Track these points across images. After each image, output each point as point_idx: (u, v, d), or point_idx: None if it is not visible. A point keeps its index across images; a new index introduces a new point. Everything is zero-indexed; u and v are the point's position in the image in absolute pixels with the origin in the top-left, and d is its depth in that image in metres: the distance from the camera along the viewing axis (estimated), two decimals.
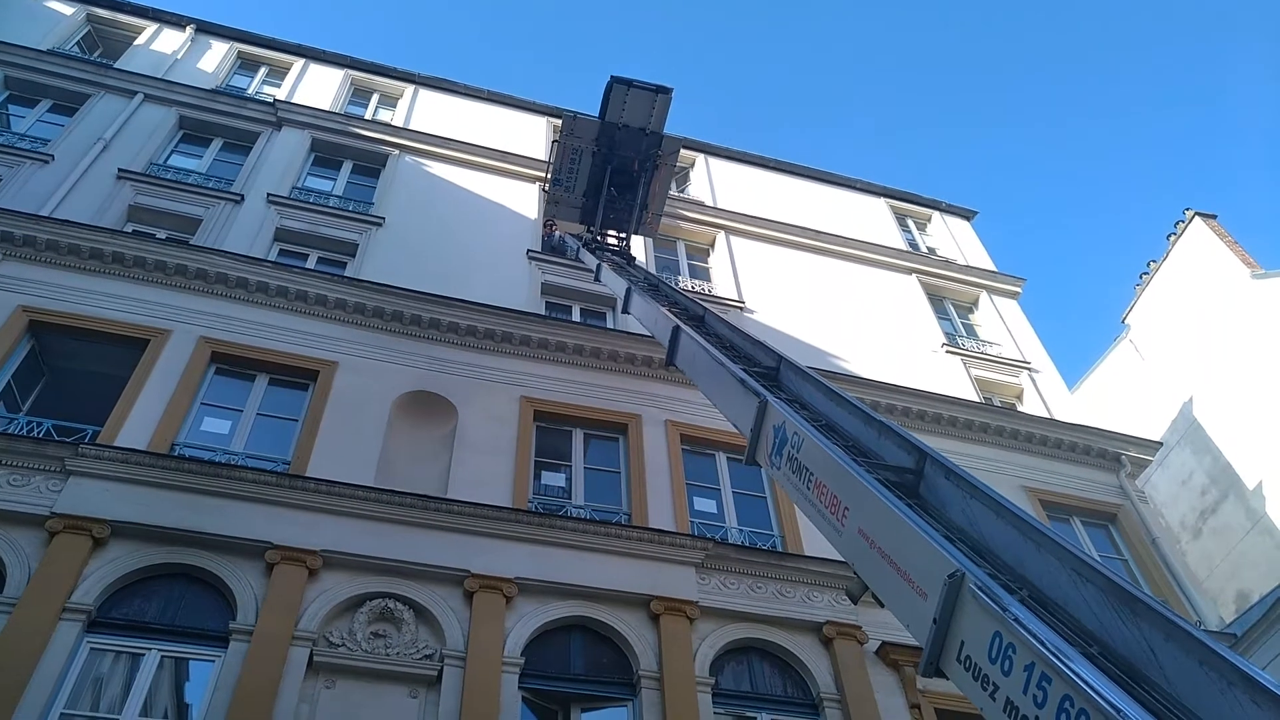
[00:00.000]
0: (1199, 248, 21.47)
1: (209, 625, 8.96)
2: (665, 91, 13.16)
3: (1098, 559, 4.32)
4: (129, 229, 13.85)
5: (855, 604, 6.20)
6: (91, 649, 8.57)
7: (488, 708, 8.77)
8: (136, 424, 10.62)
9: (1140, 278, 23.08)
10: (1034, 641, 3.46)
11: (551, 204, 14.62)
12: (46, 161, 14.42)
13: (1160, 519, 16.15)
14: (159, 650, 8.71)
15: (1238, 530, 18.83)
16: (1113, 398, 22.88)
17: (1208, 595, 15.52)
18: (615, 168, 13.76)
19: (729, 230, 18.78)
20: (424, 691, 8.95)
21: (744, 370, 7.29)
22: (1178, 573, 13.77)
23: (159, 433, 10.61)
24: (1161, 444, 17.10)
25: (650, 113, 13.31)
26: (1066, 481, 14.67)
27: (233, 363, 12.04)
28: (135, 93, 16.48)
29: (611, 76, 13.23)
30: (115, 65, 17.34)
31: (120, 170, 14.72)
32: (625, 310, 11.43)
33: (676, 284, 16.03)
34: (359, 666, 8.94)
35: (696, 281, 17.62)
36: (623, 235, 14.20)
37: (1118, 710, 3.01)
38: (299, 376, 12.15)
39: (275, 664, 8.57)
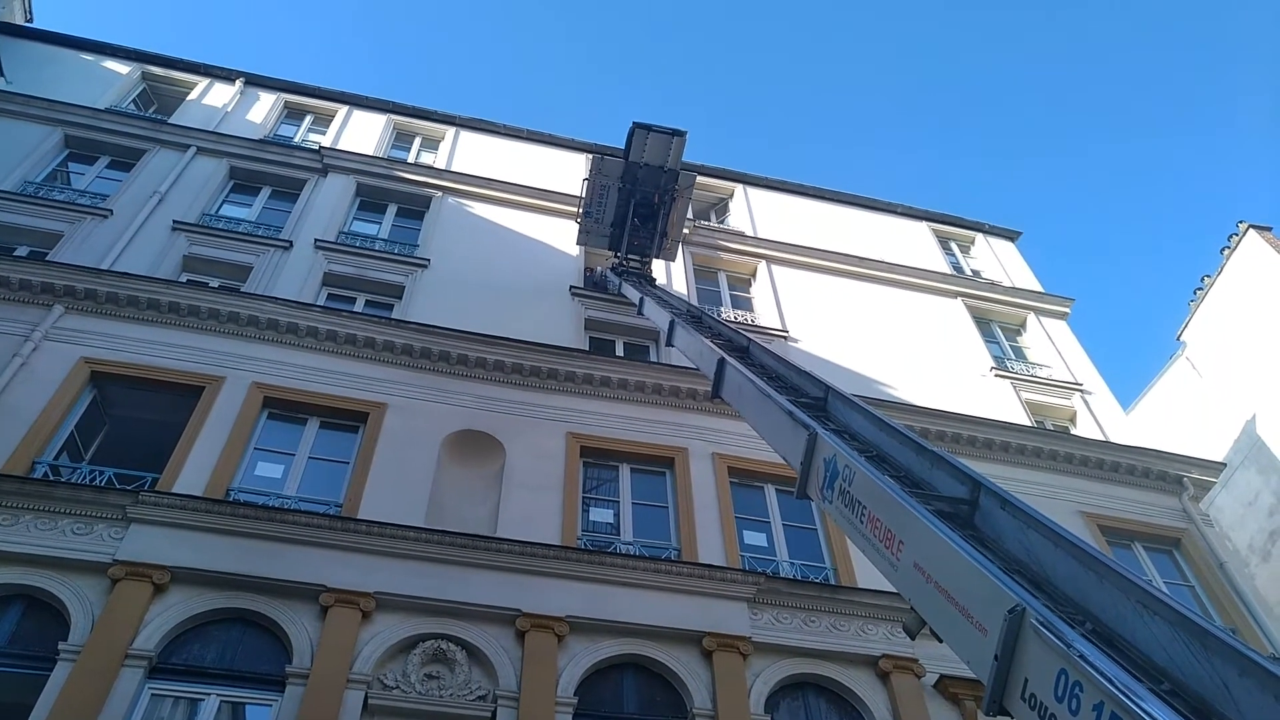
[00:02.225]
0: (1254, 260, 20.92)
1: (265, 669, 9.06)
2: (680, 134, 14.78)
3: (1164, 589, 4.20)
4: (184, 278, 14.24)
5: (913, 640, 6.08)
6: (153, 695, 8.70)
7: None
8: (193, 470, 10.84)
9: (1194, 293, 22.53)
10: (1101, 679, 3.36)
11: (583, 233, 16.04)
12: (105, 216, 14.91)
13: (1227, 542, 15.60)
14: (217, 695, 8.82)
15: None
16: (1171, 418, 22.29)
17: None
18: (638, 200, 15.35)
19: (770, 259, 18.76)
20: None
21: (791, 401, 7.22)
22: (1248, 598, 13.31)
23: (215, 478, 10.82)
24: (1224, 464, 16.60)
25: (668, 152, 14.88)
26: (1126, 506, 14.30)
27: (284, 407, 12.25)
28: (189, 146, 17.00)
29: (634, 123, 14.69)
30: (169, 120, 17.96)
31: (175, 222, 15.15)
32: (669, 343, 11.45)
33: (719, 315, 16.05)
34: (414, 708, 8.97)
35: (739, 312, 17.60)
36: (645, 259, 15.73)
37: None
38: (349, 419, 12.32)
39: (331, 707, 8.62)
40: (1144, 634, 3.94)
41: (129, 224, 14.71)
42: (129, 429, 12.20)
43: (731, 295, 18.18)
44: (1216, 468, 15.58)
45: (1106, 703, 3.30)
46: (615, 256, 15.81)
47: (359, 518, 10.56)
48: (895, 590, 5.90)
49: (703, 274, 18.29)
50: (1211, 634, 3.61)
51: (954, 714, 10.23)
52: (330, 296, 14.93)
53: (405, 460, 11.74)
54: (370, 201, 17.62)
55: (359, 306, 14.86)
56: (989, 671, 4.05)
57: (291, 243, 15.45)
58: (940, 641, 4.77)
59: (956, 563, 4.53)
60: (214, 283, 14.39)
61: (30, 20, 20.69)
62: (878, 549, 5.33)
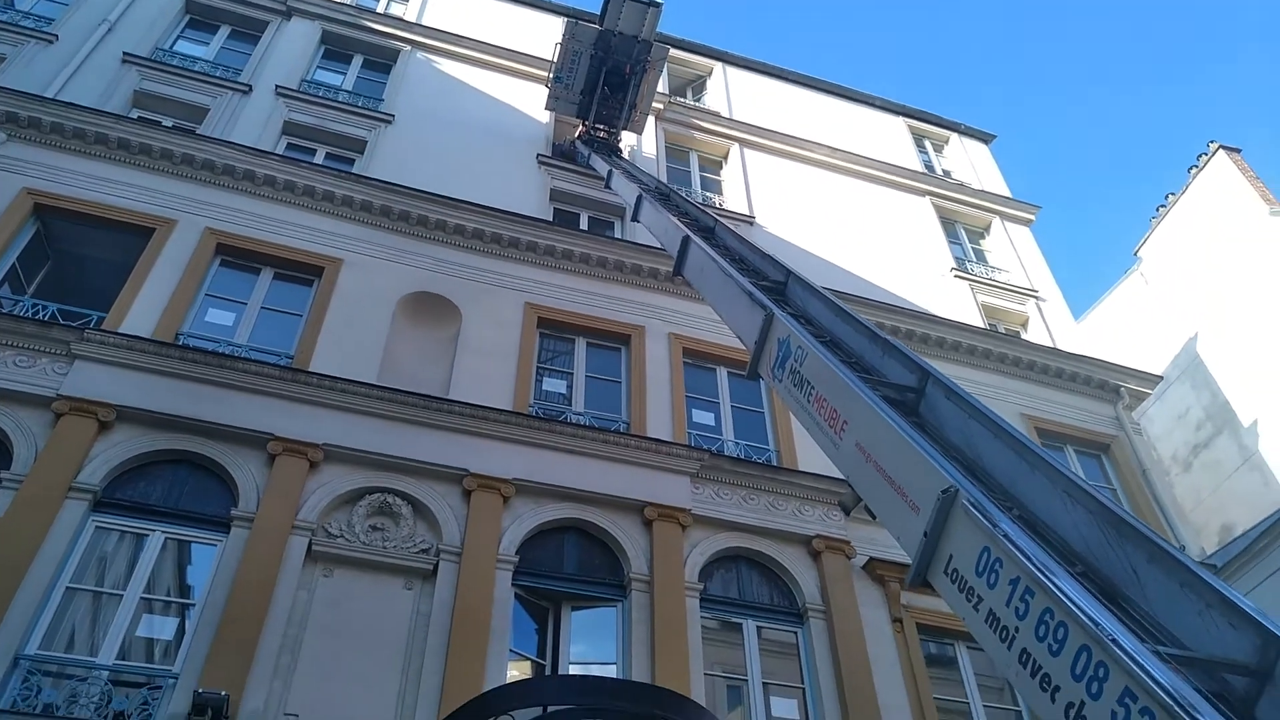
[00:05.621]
0: (1220, 182, 21.07)
1: (211, 511, 9.16)
2: (656, 5, 14.61)
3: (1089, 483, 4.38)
4: (135, 115, 13.62)
5: (847, 516, 6.31)
6: (97, 527, 8.78)
7: (481, 602, 9.02)
8: (141, 312, 10.64)
9: (1157, 210, 22.74)
10: (1021, 557, 3.53)
11: (552, 98, 15.80)
12: (50, 42, 14.08)
13: (1153, 451, 16.26)
14: (162, 532, 8.92)
15: (1228, 466, 19.00)
16: (1118, 330, 22.82)
17: (1192, 527, 15.76)
18: (610, 69, 15.17)
19: (744, 143, 18.45)
20: (419, 584, 9.19)
21: (752, 283, 7.26)
22: (1164, 504, 13.95)
23: (163, 322, 10.65)
24: (1161, 378, 17.12)
25: (643, 22, 14.72)
26: (1064, 411, 14.75)
27: (238, 255, 12.00)
28: None
29: None
30: None
31: (125, 54, 14.39)
32: (635, 218, 11.34)
33: (688, 196, 15.90)
34: (357, 557, 9.15)
35: (708, 194, 17.41)
36: (613, 130, 15.64)
37: (1096, 623, 3.08)
38: (304, 272, 12.12)
39: (275, 551, 8.78)
40: (1065, 521, 4.13)
41: (75, 51, 13.91)
42: (75, 266, 11.89)
43: (702, 177, 17.94)
44: (1153, 380, 16.07)
45: (1023, 578, 3.47)
46: (583, 125, 15.54)
47: (310, 370, 10.52)
48: (834, 474, 6.11)
49: (674, 153, 17.98)
50: (1126, 522, 3.80)
51: (879, 593, 10.69)
52: (290, 146, 14.43)
53: (359, 317, 11.63)
54: (335, 50, 16.85)
55: (319, 159, 14.37)
56: (917, 547, 4.24)
57: (251, 87, 14.80)
58: (874, 519, 4.97)
59: (897, 445, 4.68)
60: (167, 122, 13.78)
61: None
62: (822, 428, 5.47)
